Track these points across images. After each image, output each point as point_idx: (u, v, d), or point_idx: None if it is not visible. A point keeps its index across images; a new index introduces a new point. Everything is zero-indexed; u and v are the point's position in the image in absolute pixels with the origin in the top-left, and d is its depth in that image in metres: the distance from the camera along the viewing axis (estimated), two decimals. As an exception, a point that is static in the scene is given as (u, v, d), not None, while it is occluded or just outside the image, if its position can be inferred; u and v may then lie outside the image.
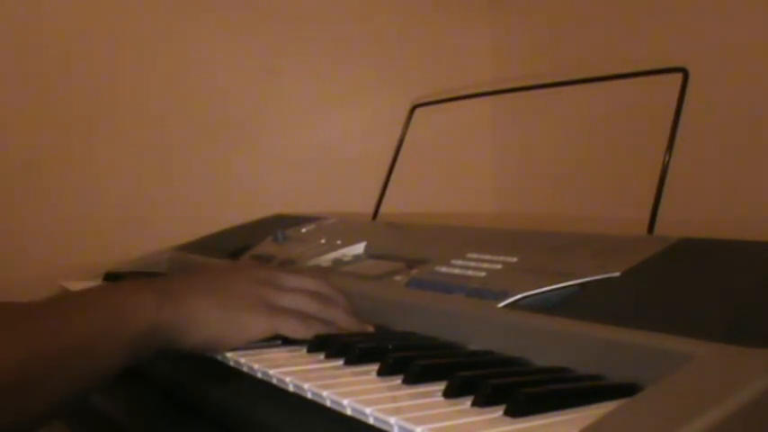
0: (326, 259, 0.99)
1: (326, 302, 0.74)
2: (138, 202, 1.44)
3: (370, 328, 0.74)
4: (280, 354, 0.68)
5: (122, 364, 0.63)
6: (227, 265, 0.75)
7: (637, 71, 0.97)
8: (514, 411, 0.48)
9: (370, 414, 0.50)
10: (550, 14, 1.63)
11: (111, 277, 1.21)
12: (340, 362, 0.64)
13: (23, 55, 1.37)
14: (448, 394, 0.52)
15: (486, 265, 0.76)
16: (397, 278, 0.83)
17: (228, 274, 0.73)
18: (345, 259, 0.98)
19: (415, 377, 0.56)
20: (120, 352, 0.63)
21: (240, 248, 1.16)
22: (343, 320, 0.73)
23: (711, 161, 1.28)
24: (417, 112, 1.28)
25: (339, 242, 1.03)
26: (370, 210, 1.28)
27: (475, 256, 0.80)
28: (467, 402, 0.51)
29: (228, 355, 0.67)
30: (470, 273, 0.76)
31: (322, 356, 0.66)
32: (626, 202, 1.20)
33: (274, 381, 0.61)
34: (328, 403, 0.54)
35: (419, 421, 0.47)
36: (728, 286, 0.60)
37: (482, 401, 0.50)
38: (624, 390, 0.51)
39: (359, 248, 1.00)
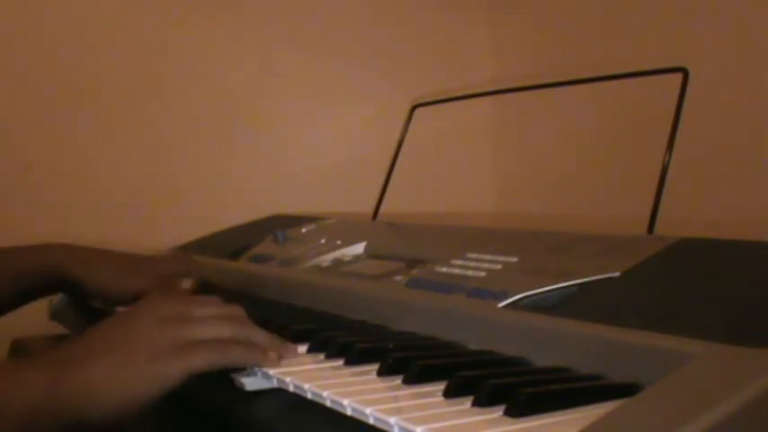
0: (326, 259, 0.99)
1: (242, 325, 0.68)
2: (138, 202, 1.44)
3: (295, 348, 0.68)
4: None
5: None
6: (126, 312, 0.68)
7: (637, 71, 0.97)
8: (515, 411, 0.48)
9: (370, 414, 0.50)
10: (550, 14, 1.63)
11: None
12: (340, 362, 0.64)
13: (24, 55, 1.37)
14: (448, 394, 0.52)
15: (486, 265, 0.76)
16: (397, 278, 0.83)
17: (127, 321, 0.66)
18: (345, 259, 0.98)
19: (415, 377, 0.56)
20: None
21: (240, 248, 1.16)
22: (263, 339, 0.67)
23: (711, 161, 1.28)
24: (417, 112, 1.28)
25: (339, 242, 1.03)
26: (370, 210, 1.28)
27: (475, 256, 0.80)
28: (467, 402, 0.51)
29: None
30: (470, 273, 0.76)
31: (322, 356, 0.66)
32: (626, 202, 1.20)
33: (274, 381, 0.61)
34: (328, 403, 0.54)
35: (419, 421, 0.47)
36: (728, 286, 0.60)
37: (482, 401, 0.50)
38: (624, 390, 0.51)
39: (359, 248, 1.00)
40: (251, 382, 0.63)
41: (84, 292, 0.98)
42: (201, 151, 1.50)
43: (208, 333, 0.65)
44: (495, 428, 0.46)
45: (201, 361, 0.62)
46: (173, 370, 0.61)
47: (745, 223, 1.22)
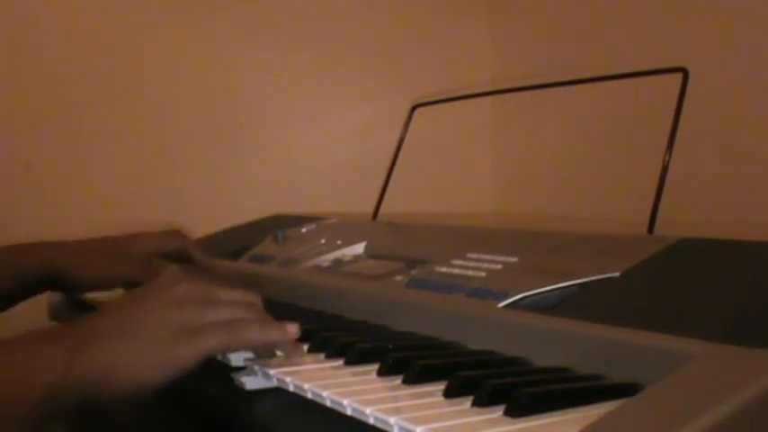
0: (326, 259, 0.99)
1: (261, 311, 0.67)
2: (139, 202, 1.45)
3: (302, 347, 0.67)
4: (280, 353, 0.68)
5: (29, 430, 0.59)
6: (143, 291, 0.68)
7: (637, 71, 0.97)
8: (514, 411, 0.48)
9: (370, 414, 0.50)
10: (550, 14, 1.63)
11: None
12: (340, 362, 0.64)
13: (24, 56, 1.37)
14: (448, 394, 0.52)
15: (486, 265, 0.76)
16: (397, 278, 0.83)
17: (144, 302, 0.65)
18: (345, 259, 0.98)
19: (415, 377, 0.56)
20: (21, 420, 0.58)
21: (240, 248, 1.16)
22: (279, 325, 0.65)
23: (711, 161, 1.28)
24: (417, 112, 1.28)
25: (339, 242, 1.03)
26: (370, 210, 1.28)
27: (475, 256, 0.80)
28: (467, 402, 0.51)
29: (229, 354, 0.67)
30: (470, 273, 0.76)
31: (322, 356, 0.66)
32: (626, 202, 1.20)
33: (275, 381, 0.61)
34: (328, 403, 0.54)
35: (419, 421, 0.47)
36: (728, 286, 0.60)
37: (482, 401, 0.50)
38: (624, 390, 0.51)
39: (359, 248, 1.00)
40: (251, 382, 0.63)
41: (75, 285, 0.98)
42: (202, 151, 1.50)
43: (223, 315, 0.64)
44: (495, 428, 0.46)
45: (215, 341, 0.62)
46: (186, 352, 0.61)
47: (745, 223, 1.22)
